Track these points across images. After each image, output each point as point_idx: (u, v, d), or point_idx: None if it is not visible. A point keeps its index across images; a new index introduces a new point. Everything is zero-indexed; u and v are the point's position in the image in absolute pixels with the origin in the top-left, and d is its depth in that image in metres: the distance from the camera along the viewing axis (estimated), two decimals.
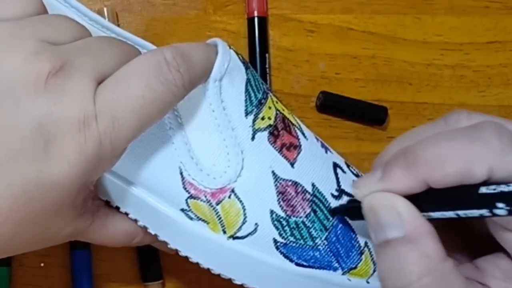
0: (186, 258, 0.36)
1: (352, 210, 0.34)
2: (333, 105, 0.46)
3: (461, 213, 0.29)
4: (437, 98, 0.47)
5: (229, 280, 0.35)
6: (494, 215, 0.28)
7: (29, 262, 0.44)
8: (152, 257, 0.44)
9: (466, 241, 0.33)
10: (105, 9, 0.45)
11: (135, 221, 0.36)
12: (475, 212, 0.28)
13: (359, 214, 0.33)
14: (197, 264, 0.36)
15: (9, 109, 0.29)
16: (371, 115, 0.46)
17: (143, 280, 0.44)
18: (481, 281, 0.30)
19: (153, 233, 0.36)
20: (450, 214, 0.29)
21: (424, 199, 0.30)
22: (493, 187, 0.27)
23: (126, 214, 0.36)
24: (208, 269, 0.35)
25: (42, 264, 0.44)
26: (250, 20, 0.46)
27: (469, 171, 0.28)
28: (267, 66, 0.45)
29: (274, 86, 0.46)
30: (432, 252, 0.29)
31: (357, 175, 0.38)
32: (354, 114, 0.46)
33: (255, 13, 0.46)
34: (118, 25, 0.46)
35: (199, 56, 0.33)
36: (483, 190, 0.28)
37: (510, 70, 0.47)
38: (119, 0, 0.46)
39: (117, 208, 0.36)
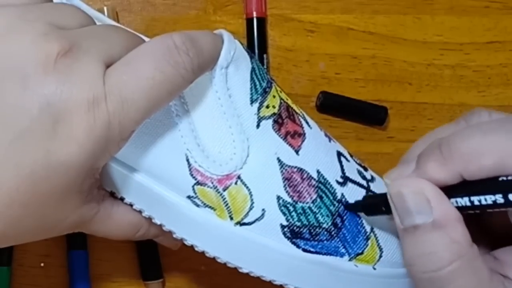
0: (192, 247, 0.36)
1: (370, 206, 0.34)
2: (333, 105, 0.46)
3: (477, 199, 0.29)
4: (437, 98, 0.47)
5: (235, 269, 0.35)
6: (509, 201, 0.28)
7: (29, 262, 0.44)
8: (152, 256, 0.44)
9: (485, 233, 0.34)
10: (105, 8, 0.45)
11: (140, 212, 0.36)
12: (489, 198, 0.29)
13: (377, 210, 0.33)
14: (203, 253, 0.35)
15: (17, 88, 0.29)
16: (371, 115, 0.46)
17: (144, 279, 0.44)
18: (501, 272, 0.31)
19: (158, 223, 0.36)
20: (466, 200, 0.29)
21: (452, 186, 0.30)
22: None
23: (131, 205, 0.36)
24: (214, 258, 0.35)
25: (42, 264, 0.44)
26: (249, 21, 0.46)
27: (504, 164, 0.28)
28: (265, 66, 0.45)
29: None
30: (461, 238, 0.29)
31: (360, 165, 0.38)
32: (354, 114, 0.46)
33: (254, 14, 0.46)
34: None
35: (207, 42, 0.34)
36: (503, 178, 0.28)
37: (510, 70, 0.47)
38: (119, 0, 0.46)
39: (122, 200, 0.36)
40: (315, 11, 0.47)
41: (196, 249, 0.36)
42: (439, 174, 0.30)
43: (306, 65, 0.47)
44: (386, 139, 0.47)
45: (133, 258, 0.44)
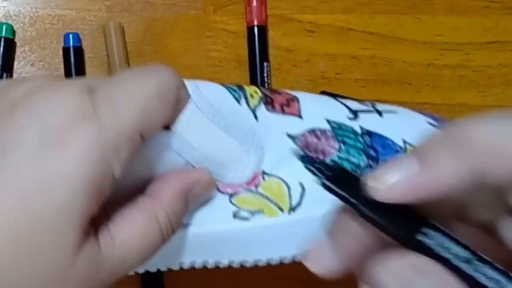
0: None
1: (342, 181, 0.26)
2: None
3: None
4: (437, 98, 0.47)
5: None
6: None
7: None
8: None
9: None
10: (110, 24, 0.45)
11: (204, 266, 0.35)
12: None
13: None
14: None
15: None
16: None
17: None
18: None
19: (225, 263, 0.34)
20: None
21: None
22: None
23: (193, 267, 0.35)
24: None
25: None
26: (250, 29, 0.46)
27: None
28: (266, 75, 0.45)
29: (274, 86, 0.46)
30: None
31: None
32: None
33: (255, 22, 0.46)
34: (124, 39, 0.46)
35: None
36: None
37: (510, 70, 0.47)
38: (119, 0, 0.46)
39: (181, 269, 0.35)
40: (315, 11, 0.47)
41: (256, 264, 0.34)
42: (452, 170, 0.22)
43: (306, 65, 0.47)
44: None
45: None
